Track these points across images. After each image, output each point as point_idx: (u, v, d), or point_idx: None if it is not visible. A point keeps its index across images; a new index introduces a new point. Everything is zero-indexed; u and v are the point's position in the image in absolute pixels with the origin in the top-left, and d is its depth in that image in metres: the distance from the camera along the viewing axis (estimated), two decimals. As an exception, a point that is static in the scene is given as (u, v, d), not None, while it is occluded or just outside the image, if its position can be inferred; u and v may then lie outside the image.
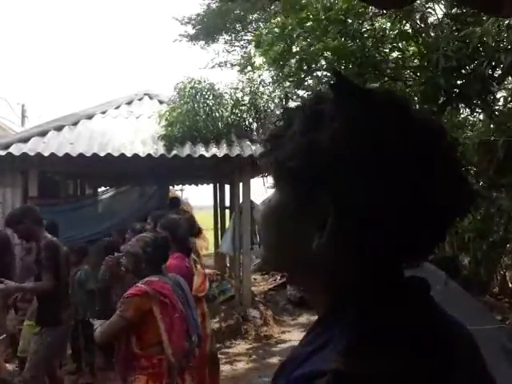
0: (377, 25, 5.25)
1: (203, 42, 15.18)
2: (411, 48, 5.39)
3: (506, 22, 3.96)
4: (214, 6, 14.10)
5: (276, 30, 5.14)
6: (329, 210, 0.57)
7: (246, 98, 7.25)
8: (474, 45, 3.87)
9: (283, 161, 0.61)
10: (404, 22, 5.19)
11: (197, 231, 3.71)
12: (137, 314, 2.65)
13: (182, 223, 3.61)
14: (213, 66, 15.33)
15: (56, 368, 3.96)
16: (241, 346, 6.34)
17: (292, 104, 6.01)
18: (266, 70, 5.69)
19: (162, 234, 3.16)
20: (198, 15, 14.50)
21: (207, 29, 14.36)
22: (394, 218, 0.56)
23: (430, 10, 5.15)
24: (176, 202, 8.04)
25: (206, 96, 6.94)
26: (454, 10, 4.68)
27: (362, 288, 0.59)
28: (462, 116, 5.31)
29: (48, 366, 3.69)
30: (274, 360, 5.76)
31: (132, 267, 2.86)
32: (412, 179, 0.56)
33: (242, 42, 15.02)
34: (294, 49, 4.98)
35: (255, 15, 13.67)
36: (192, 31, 14.85)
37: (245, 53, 13.00)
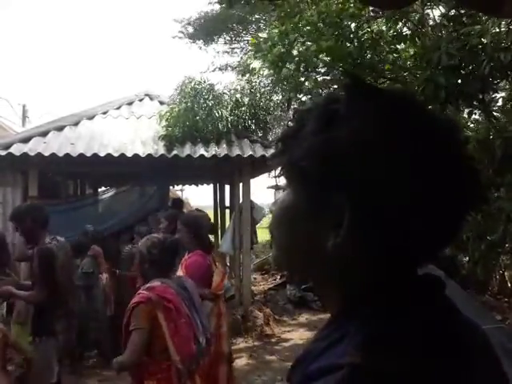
0: (374, 26, 5.25)
1: (202, 42, 15.19)
2: (410, 49, 5.39)
3: (509, 21, 3.96)
4: (211, 10, 14.11)
5: (275, 31, 5.13)
6: (344, 210, 0.57)
7: (246, 99, 7.27)
8: (472, 43, 3.87)
9: (296, 161, 0.61)
10: (401, 23, 5.20)
11: (212, 229, 3.73)
12: (149, 319, 2.56)
13: (203, 220, 3.56)
14: (213, 70, 15.34)
15: (60, 372, 3.91)
16: (241, 345, 6.35)
17: (292, 107, 6.00)
18: (265, 73, 5.68)
19: (175, 236, 3.11)
20: (198, 19, 14.53)
21: (207, 29, 14.38)
22: (410, 216, 0.56)
23: (428, 11, 5.16)
24: (179, 202, 7.84)
25: (206, 96, 6.96)
26: (452, 12, 4.68)
27: (376, 287, 0.59)
28: (462, 116, 5.31)
29: (51, 372, 3.55)
30: (274, 358, 5.79)
31: (137, 266, 2.85)
32: (427, 177, 0.56)
33: (242, 44, 15.02)
34: (294, 52, 4.97)
35: (256, 16, 13.67)
36: (192, 31, 14.88)
37: (245, 54, 13.00)
